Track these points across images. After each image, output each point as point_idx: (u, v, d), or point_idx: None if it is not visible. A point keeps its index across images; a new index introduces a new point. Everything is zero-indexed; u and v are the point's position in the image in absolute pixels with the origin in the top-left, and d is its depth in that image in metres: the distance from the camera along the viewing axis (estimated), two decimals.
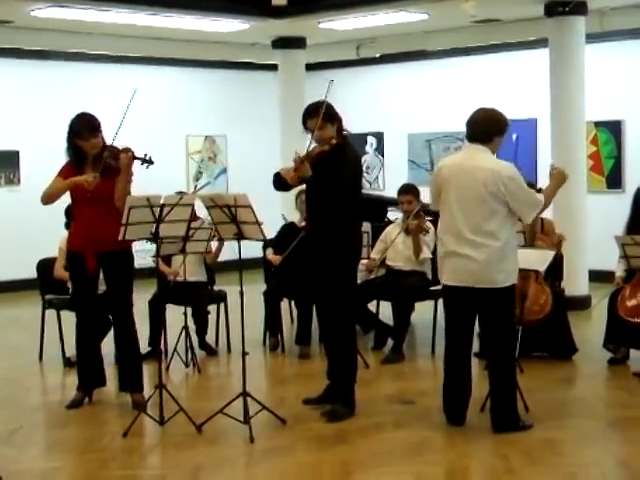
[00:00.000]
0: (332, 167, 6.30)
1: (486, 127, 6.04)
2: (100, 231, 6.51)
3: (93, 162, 6.60)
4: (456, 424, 6.11)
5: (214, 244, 8.28)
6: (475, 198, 5.87)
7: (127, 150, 6.54)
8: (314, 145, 6.42)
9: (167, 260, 8.49)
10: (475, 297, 5.96)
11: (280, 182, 6.45)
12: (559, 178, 6.25)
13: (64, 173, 6.67)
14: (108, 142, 6.63)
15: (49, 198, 6.64)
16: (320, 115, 6.27)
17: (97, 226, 6.54)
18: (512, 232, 6.01)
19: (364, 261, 8.35)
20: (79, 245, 6.64)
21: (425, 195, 8.57)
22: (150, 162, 6.56)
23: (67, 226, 8.24)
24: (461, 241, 5.91)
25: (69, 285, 8.09)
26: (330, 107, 6.39)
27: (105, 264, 6.65)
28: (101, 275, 6.77)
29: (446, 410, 6.17)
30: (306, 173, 6.28)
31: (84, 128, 6.57)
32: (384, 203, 10.13)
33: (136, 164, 6.57)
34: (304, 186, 6.67)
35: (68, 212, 8.17)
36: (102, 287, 6.84)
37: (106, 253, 6.57)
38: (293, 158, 6.33)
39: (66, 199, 6.79)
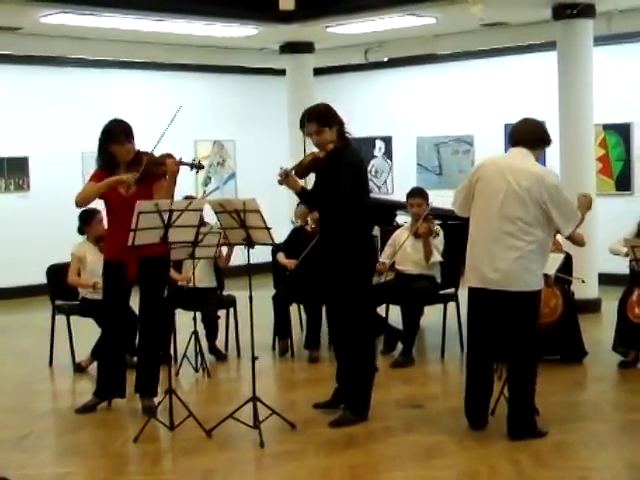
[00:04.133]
0: (331, 173, 6.21)
1: (536, 134, 6.02)
2: None
3: (127, 169, 6.57)
4: (478, 428, 6.10)
5: (224, 249, 8.30)
6: (517, 201, 5.79)
7: (171, 156, 6.51)
8: (308, 152, 6.35)
9: (178, 266, 8.50)
10: (503, 300, 5.88)
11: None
12: (587, 205, 6.30)
13: (97, 177, 6.64)
14: (144, 150, 6.60)
15: (84, 200, 6.69)
16: (317, 120, 6.21)
17: None
18: (546, 239, 5.91)
19: None
20: (120, 253, 6.47)
21: (433, 199, 8.63)
22: (200, 167, 6.55)
23: (80, 231, 8.26)
24: (495, 243, 5.84)
25: (81, 291, 8.12)
26: (328, 110, 6.33)
27: (143, 270, 6.59)
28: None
29: (468, 414, 6.14)
30: (294, 187, 6.22)
31: (121, 133, 6.59)
32: (392, 207, 10.12)
33: (184, 169, 6.54)
34: None
35: (82, 217, 8.20)
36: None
37: (145, 259, 6.52)
38: (278, 172, 6.23)
39: (74, 202, 6.73)
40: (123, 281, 6.65)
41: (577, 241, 8.23)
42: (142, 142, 6.69)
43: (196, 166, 6.55)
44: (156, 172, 6.50)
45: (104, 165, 6.69)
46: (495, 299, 5.92)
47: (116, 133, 6.60)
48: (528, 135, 6.00)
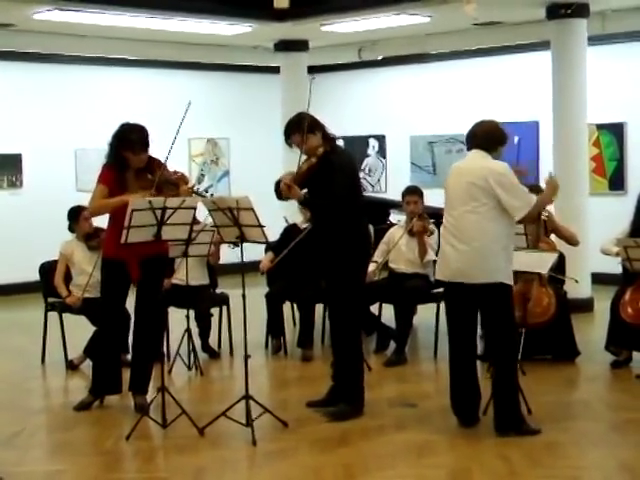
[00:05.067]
0: (324, 177, 6.30)
1: (489, 137, 6.15)
2: None
3: (136, 174, 6.52)
4: (467, 425, 6.12)
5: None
6: (466, 195, 5.95)
7: (185, 180, 6.51)
8: (303, 159, 6.40)
9: (171, 264, 8.48)
10: (468, 294, 5.98)
11: (281, 192, 6.43)
12: (552, 187, 6.33)
13: (105, 179, 6.51)
14: (153, 159, 6.59)
15: (96, 213, 6.76)
16: (303, 129, 6.28)
17: None
18: (503, 231, 5.97)
19: None
20: (121, 252, 6.39)
21: (428, 197, 8.65)
22: (205, 197, 6.58)
23: (70, 229, 8.26)
24: (454, 237, 5.98)
25: (73, 289, 8.10)
26: (307, 118, 6.38)
27: (143, 269, 6.56)
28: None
29: (455, 411, 6.18)
30: (297, 196, 6.29)
31: (137, 142, 6.45)
32: (386, 206, 10.13)
33: None
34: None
35: (70, 215, 8.19)
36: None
37: (147, 258, 6.50)
38: (281, 187, 6.30)
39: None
40: (123, 280, 6.62)
41: (571, 240, 8.27)
42: None
43: (203, 197, 6.58)
44: (167, 189, 6.44)
45: (114, 163, 6.53)
46: (461, 292, 6.01)
47: (132, 141, 6.43)
48: (481, 140, 6.14)
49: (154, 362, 6.81)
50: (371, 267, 8.41)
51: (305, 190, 6.41)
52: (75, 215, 8.13)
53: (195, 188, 6.62)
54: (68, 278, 8.20)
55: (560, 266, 8.26)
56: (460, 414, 6.17)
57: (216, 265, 8.69)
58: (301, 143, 6.35)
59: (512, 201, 5.92)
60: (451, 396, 6.19)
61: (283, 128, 6.55)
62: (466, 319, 6.12)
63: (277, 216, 9.52)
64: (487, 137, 6.14)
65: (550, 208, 8.12)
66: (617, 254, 7.67)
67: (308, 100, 6.45)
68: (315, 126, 6.41)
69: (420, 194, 8.54)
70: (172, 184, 6.46)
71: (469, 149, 6.22)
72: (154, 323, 6.72)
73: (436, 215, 8.70)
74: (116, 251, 6.47)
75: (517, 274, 7.36)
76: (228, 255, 8.17)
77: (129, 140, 6.45)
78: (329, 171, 6.29)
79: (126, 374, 6.85)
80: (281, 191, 6.35)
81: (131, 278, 6.60)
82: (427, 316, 8.91)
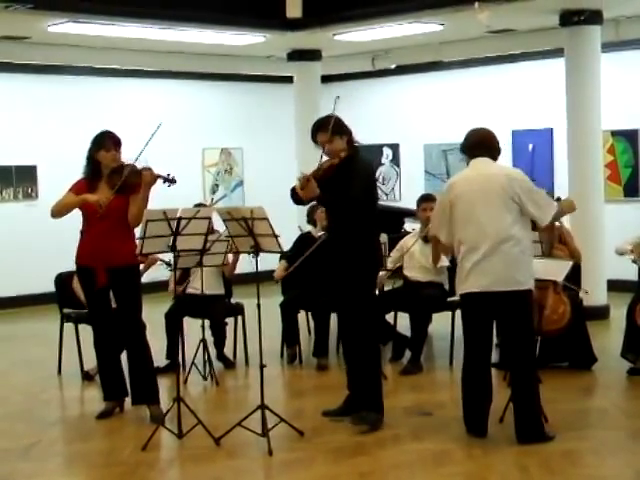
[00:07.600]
0: (342, 180, 6.32)
1: (494, 145, 6.19)
2: (109, 246, 6.60)
3: (108, 179, 6.68)
4: (478, 435, 6.08)
5: (230, 256, 8.31)
6: (498, 203, 5.92)
7: (149, 169, 6.62)
8: (324, 159, 6.43)
9: (186, 273, 8.51)
10: (497, 302, 5.94)
11: (296, 197, 6.46)
12: (569, 207, 6.42)
13: (76, 189, 6.78)
14: (127, 162, 6.73)
15: (59, 212, 6.77)
16: (329, 129, 6.31)
17: (107, 241, 6.62)
18: (529, 236, 6.07)
19: None
20: (88, 259, 6.71)
21: None
22: (172, 181, 6.68)
23: None
24: (488, 247, 5.90)
25: (82, 298, 8.15)
26: (338, 120, 6.43)
27: (114, 279, 6.69)
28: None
29: (467, 422, 6.15)
30: (313, 192, 6.29)
31: (108, 139, 6.73)
32: (400, 214, 10.13)
33: (157, 183, 6.66)
34: None
35: None
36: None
37: (115, 268, 6.62)
38: (297, 177, 6.34)
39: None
40: (95, 285, 6.75)
41: (572, 255, 8.19)
42: (150, 150, 6.69)
43: (169, 180, 6.68)
44: (134, 181, 6.59)
45: (88, 175, 6.81)
46: (489, 302, 5.96)
47: (103, 139, 6.75)
48: (491, 148, 6.16)
49: (155, 370, 6.93)
50: (381, 273, 8.41)
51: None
52: None
53: (161, 173, 6.69)
54: None
55: (575, 274, 8.23)
56: (473, 424, 6.11)
57: (230, 277, 8.69)
58: (325, 142, 6.37)
59: (538, 208, 5.97)
60: (465, 408, 6.14)
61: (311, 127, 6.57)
62: (487, 328, 6.11)
63: (291, 225, 9.54)
64: (493, 145, 6.18)
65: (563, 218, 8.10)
66: (632, 251, 7.73)
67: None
68: (342, 130, 6.44)
69: (436, 201, 8.54)
70: (136, 172, 6.61)
71: (474, 156, 6.15)
72: (137, 334, 6.77)
73: None
74: (84, 258, 6.75)
75: None
76: (243, 264, 8.19)
77: (101, 140, 6.75)
78: (348, 174, 6.33)
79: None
80: (297, 192, 6.34)
81: (97, 285, 6.71)
82: (442, 324, 8.89)
